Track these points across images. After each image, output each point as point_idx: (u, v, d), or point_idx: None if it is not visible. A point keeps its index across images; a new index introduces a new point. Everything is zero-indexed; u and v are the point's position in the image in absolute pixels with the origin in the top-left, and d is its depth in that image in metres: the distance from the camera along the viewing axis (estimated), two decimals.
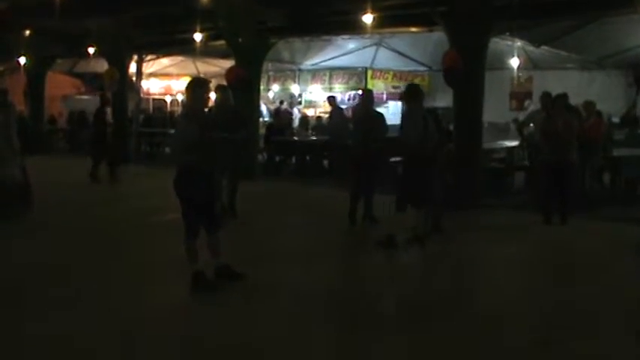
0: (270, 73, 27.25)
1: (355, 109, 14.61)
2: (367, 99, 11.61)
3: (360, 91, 14.24)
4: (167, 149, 22.09)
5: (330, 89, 25.15)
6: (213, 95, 10.78)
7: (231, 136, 9.48)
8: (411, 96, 9.89)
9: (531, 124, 13.66)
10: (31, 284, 7.66)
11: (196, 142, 7.15)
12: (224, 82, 13.81)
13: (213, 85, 10.38)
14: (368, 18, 14.16)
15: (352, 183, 11.17)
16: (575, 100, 13.97)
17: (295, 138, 19.95)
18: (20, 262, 8.68)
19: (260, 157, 19.42)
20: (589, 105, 13.33)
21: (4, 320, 6.45)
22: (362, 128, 11.14)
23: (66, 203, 13.46)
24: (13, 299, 7.10)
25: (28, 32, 22.03)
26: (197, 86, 7.64)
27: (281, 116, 22.40)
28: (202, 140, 7.19)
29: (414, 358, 5.79)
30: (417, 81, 24.39)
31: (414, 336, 6.16)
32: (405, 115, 10.38)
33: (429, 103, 13.84)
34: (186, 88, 7.77)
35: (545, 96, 12.76)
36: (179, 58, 27.87)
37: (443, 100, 17.99)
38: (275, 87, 28.07)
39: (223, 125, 9.14)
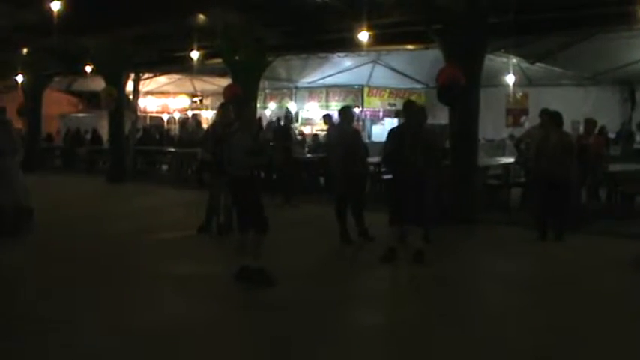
0: (267, 91, 27.34)
1: (333, 128, 14.63)
2: (346, 117, 11.32)
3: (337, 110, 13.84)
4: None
5: (327, 107, 25.25)
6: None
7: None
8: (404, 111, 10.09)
9: (528, 140, 13.70)
10: (38, 299, 7.69)
11: None
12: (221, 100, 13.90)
13: None
14: (364, 36, 14.23)
15: (336, 202, 11.07)
16: (571, 116, 14.03)
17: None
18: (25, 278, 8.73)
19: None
20: (589, 122, 13.33)
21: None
22: (342, 147, 10.92)
23: (65, 220, 13.46)
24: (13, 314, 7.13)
25: (25, 50, 22.10)
26: None
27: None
28: None
29: None
30: (413, 98, 24.53)
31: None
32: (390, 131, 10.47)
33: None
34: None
35: (545, 112, 12.81)
36: (176, 76, 27.98)
37: (441, 117, 18.00)
38: (272, 104, 28.16)
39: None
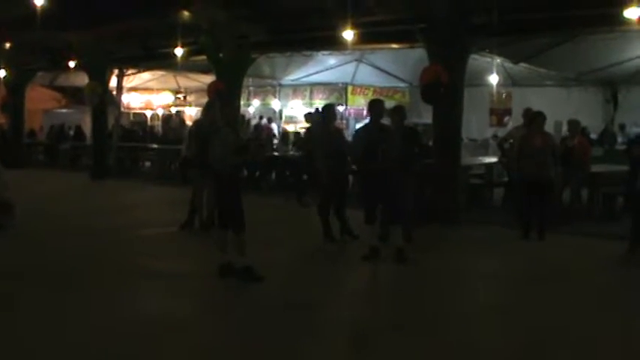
0: (251, 88, 27.30)
1: (315, 125, 14.62)
2: (328, 115, 11.27)
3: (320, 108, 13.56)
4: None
5: (311, 104, 25.20)
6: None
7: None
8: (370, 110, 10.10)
9: (511, 140, 13.76)
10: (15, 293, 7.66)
11: None
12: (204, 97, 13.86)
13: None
14: (349, 34, 14.23)
15: (320, 202, 11.06)
16: (554, 117, 14.06)
17: (275, 153, 19.92)
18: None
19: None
20: (573, 124, 13.36)
21: None
22: (325, 146, 10.90)
23: (47, 216, 13.39)
24: None
25: (8, 45, 21.94)
26: None
27: (262, 131, 22.44)
28: None
29: None
30: (397, 97, 24.69)
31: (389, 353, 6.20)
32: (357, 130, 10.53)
33: (411, 120, 13.78)
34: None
35: (527, 112, 12.86)
36: (160, 73, 27.86)
37: (425, 116, 18.00)
38: (255, 102, 28.12)
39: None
